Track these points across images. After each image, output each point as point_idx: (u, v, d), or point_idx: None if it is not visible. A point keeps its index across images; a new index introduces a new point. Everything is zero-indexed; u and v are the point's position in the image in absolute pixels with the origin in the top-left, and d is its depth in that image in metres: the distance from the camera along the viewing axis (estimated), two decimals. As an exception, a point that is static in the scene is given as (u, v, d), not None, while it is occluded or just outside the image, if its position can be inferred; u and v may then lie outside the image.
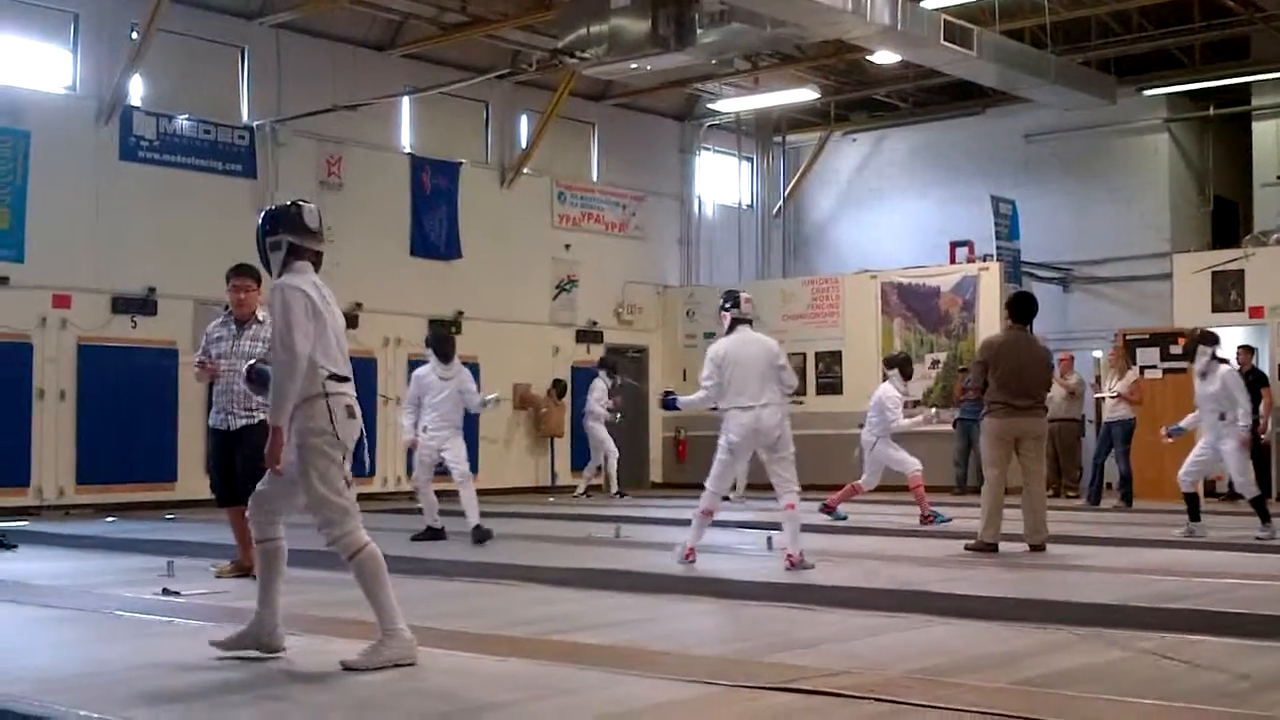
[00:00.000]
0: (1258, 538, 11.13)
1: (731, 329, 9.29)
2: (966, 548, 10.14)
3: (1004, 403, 10.20)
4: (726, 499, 14.48)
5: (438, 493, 11.48)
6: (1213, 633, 6.10)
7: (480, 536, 10.93)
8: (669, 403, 9.96)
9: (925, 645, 5.94)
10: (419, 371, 11.58)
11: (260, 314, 8.57)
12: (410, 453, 11.73)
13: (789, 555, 8.96)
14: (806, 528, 9.43)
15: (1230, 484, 13.23)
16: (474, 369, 18.05)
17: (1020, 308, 10.64)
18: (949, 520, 12.73)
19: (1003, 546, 10.08)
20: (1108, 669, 5.29)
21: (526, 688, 4.94)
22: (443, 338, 11.92)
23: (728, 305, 9.38)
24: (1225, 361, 11.96)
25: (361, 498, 17.89)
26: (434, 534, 11.31)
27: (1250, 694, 4.81)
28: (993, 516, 10.07)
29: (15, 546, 10.74)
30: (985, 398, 10.42)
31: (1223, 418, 11.51)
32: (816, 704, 4.60)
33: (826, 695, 4.69)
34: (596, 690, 4.90)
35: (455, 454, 11.32)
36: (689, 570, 8.91)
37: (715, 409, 9.35)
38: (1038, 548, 10.05)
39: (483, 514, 11.19)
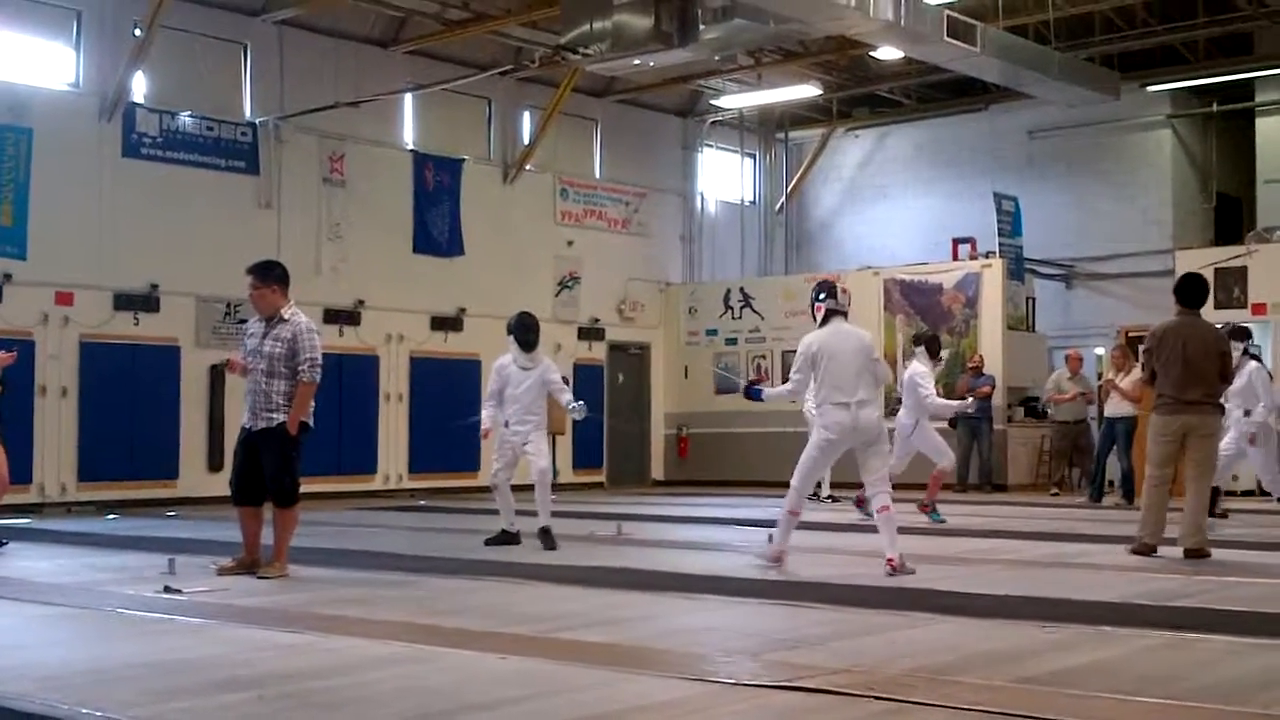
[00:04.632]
0: None
1: (826, 320, 8.72)
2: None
3: (1171, 397, 9.28)
4: (814, 496, 14.05)
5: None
6: (1215, 631, 6.09)
7: (547, 542, 10.27)
8: (753, 394, 9.51)
9: (929, 643, 5.93)
10: (500, 362, 10.79)
11: (286, 313, 8.53)
12: (484, 445, 10.84)
13: (890, 560, 8.44)
14: (820, 525, 9.33)
15: (1258, 482, 13.07)
16: (476, 366, 18.15)
17: (1188, 291, 9.66)
18: (943, 521, 12.64)
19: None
20: (1111, 667, 5.28)
21: (528, 686, 4.93)
22: (527, 325, 10.73)
23: (822, 296, 8.79)
24: (1257, 359, 11.83)
25: (361, 495, 17.85)
26: (509, 538, 10.59)
27: (1252, 692, 4.80)
28: (1151, 515, 9.29)
29: (4, 543, 10.70)
30: (1154, 390, 9.52)
31: (1247, 414, 11.39)
32: (819, 702, 4.59)
33: (829, 694, 4.67)
34: (598, 689, 4.88)
35: (537, 448, 10.66)
36: (697, 569, 8.89)
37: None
38: (1195, 552, 9.14)
39: (487, 512, 11.11)
